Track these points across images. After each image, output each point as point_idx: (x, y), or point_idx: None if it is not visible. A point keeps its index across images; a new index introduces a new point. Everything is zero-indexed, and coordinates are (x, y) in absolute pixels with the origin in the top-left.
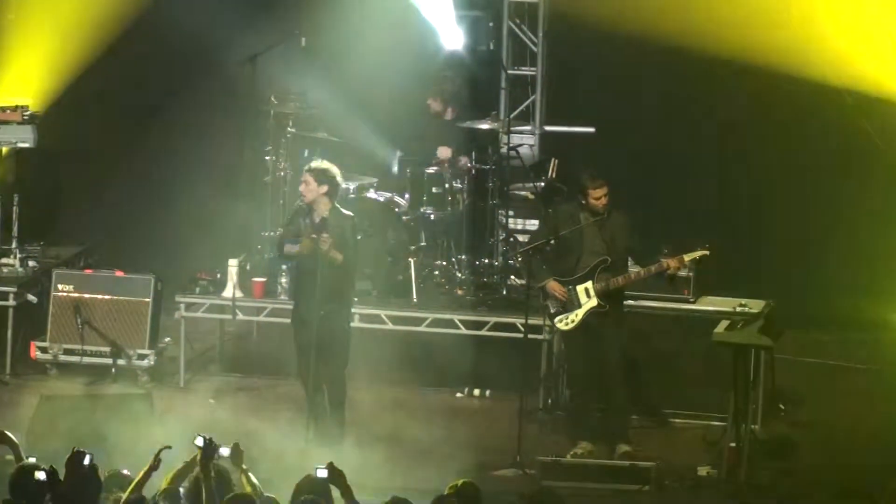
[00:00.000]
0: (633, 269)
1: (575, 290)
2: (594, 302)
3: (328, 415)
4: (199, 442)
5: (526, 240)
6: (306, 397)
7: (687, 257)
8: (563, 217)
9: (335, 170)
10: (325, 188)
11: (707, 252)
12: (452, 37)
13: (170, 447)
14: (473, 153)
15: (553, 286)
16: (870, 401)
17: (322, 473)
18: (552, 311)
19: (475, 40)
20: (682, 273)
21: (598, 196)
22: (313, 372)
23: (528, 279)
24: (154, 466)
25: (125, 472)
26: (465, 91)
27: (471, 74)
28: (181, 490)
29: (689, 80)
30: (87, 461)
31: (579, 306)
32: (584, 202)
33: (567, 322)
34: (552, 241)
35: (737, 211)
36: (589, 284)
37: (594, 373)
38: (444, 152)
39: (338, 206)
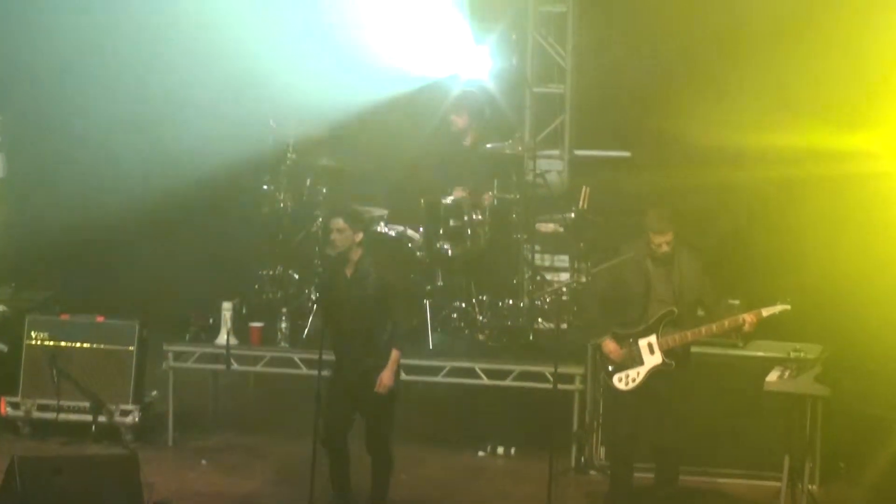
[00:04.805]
0: (704, 324)
1: (637, 344)
2: (658, 359)
3: (372, 484)
4: None
5: (554, 278)
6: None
7: (766, 312)
8: (627, 263)
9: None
10: (360, 236)
11: (788, 307)
12: (473, 62)
13: None
14: (496, 182)
15: (608, 347)
16: None
17: None
18: (609, 367)
19: (496, 56)
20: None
21: (658, 242)
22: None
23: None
24: None
25: None
26: (488, 111)
27: (492, 93)
28: None
29: (732, 95)
30: None
31: (641, 363)
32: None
33: (627, 381)
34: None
35: (790, 250)
36: (653, 339)
37: (642, 435)
38: (458, 193)
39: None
